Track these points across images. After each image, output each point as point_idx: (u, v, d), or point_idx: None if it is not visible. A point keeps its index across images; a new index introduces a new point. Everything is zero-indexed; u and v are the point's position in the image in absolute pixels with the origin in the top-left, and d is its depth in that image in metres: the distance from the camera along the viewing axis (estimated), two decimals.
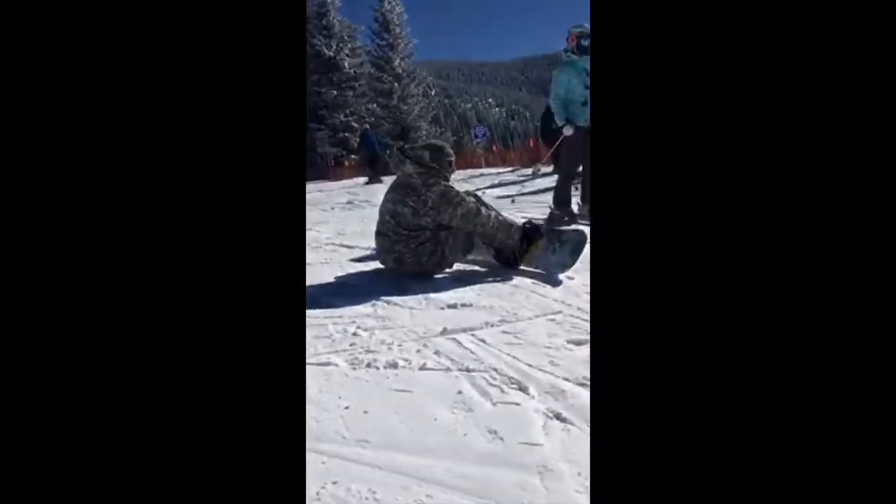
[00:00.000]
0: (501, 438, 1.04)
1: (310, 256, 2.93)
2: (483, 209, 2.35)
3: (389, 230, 2.35)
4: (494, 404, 1.17)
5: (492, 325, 1.69)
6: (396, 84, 17.23)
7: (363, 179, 10.26)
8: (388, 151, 7.39)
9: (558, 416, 1.11)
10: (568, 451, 0.99)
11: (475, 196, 2.54)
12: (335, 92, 16.31)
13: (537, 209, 4.27)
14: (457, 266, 2.49)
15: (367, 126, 12.78)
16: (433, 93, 19.75)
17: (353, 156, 14.97)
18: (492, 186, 6.83)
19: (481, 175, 8.55)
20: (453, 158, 2.50)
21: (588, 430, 1.04)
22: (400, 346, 1.55)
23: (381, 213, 2.43)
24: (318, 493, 0.89)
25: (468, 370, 1.34)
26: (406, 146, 2.59)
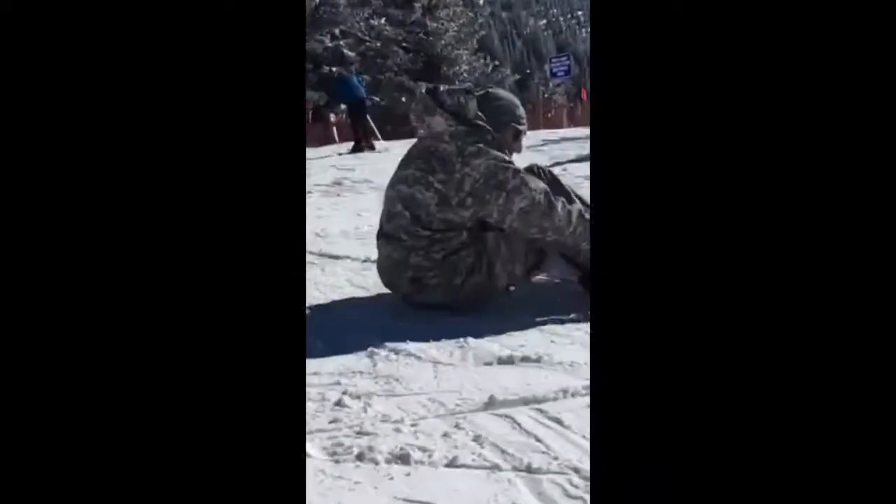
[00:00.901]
0: None
1: None
2: (560, 202, 2.19)
3: (401, 230, 2.23)
4: None
5: (573, 395, 1.59)
6: None
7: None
8: (402, 97, 6.76)
9: None
10: None
11: (548, 176, 2.39)
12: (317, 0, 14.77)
13: None
14: (515, 292, 2.38)
15: (341, 71, 11.80)
16: (481, 2, 18.22)
17: (343, 105, 13.90)
18: (578, 160, 6.63)
19: (562, 140, 8.33)
20: (524, 124, 2.34)
21: None
22: (415, 426, 1.48)
23: (389, 200, 2.31)
24: None
25: (530, 470, 1.27)
26: (443, 88, 2.34)
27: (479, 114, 2.22)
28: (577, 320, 2.12)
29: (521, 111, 2.34)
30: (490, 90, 2.37)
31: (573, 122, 11.16)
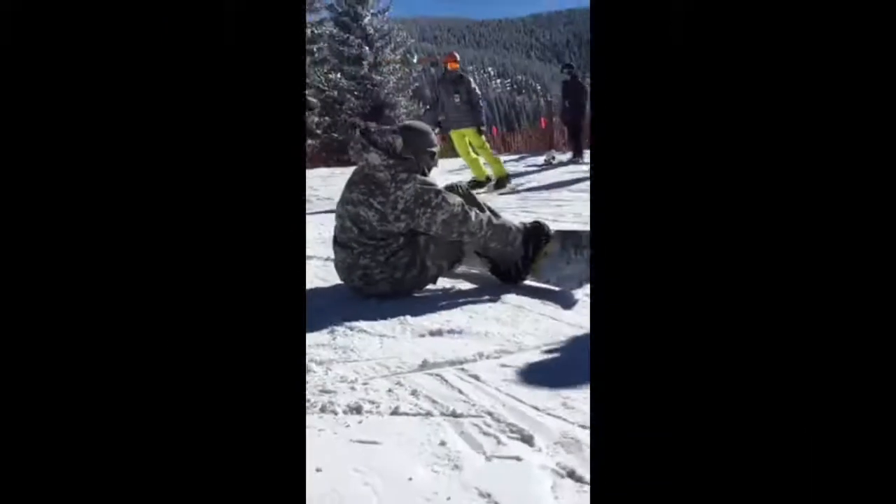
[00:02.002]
0: (497, 503, 1.04)
1: None
2: (473, 212, 2.39)
3: (351, 240, 2.38)
4: (489, 459, 1.18)
5: (487, 357, 1.70)
6: (367, 48, 17.17)
7: (325, 171, 10.18)
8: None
9: (572, 474, 1.11)
10: None
11: (464, 191, 2.59)
12: None
13: (551, 208, 4.29)
14: (442, 281, 2.52)
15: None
16: (415, 59, 19.53)
17: (309, 141, 14.72)
18: None
19: None
20: (436, 148, 2.52)
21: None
22: (365, 384, 1.55)
23: (340, 217, 2.45)
24: None
25: (455, 415, 1.36)
26: (373, 128, 2.60)
27: (408, 149, 2.38)
28: (487, 301, 2.27)
29: (433, 136, 2.52)
30: (409, 123, 2.56)
31: None
